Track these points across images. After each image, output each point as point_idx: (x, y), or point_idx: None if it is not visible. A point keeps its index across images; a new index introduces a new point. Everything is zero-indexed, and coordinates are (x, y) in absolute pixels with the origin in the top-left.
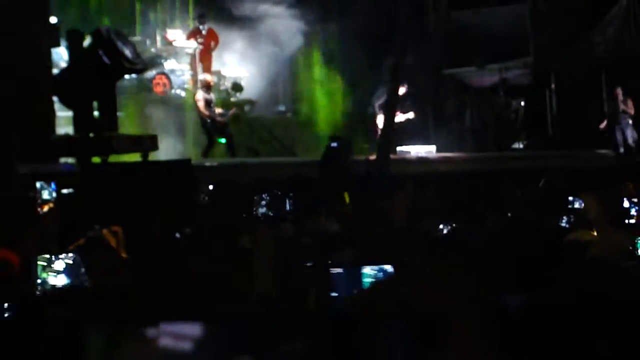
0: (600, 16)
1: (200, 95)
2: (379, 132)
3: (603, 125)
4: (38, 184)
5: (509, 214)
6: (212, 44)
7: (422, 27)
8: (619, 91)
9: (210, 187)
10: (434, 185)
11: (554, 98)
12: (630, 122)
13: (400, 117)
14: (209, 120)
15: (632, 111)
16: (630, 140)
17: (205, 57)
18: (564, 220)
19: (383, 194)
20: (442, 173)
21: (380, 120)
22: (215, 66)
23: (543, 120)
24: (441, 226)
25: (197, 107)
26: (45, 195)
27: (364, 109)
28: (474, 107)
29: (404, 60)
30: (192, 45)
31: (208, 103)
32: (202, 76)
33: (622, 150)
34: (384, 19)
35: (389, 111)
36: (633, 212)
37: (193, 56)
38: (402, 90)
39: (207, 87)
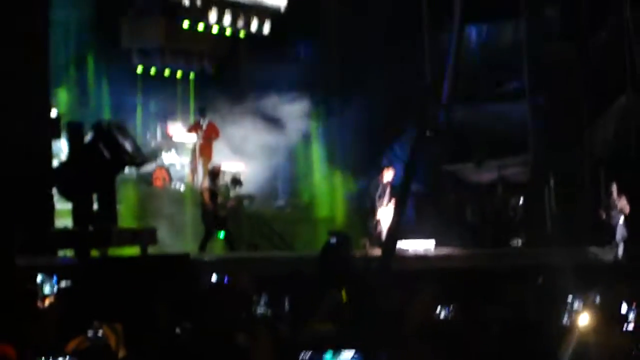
0: (600, 114)
1: (206, 185)
2: (379, 226)
3: (602, 215)
4: (39, 278)
5: (509, 312)
6: (213, 137)
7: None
8: (614, 188)
9: (214, 279)
10: (433, 281)
11: (552, 195)
12: (622, 219)
13: (391, 208)
14: (210, 212)
15: (626, 209)
16: (619, 238)
17: (205, 150)
18: (563, 320)
19: (387, 291)
20: (441, 269)
21: (380, 213)
22: (214, 160)
23: (542, 217)
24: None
25: (202, 197)
26: (47, 289)
27: (363, 203)
28: (472, 203)
29: (416, 158)
30: (193, 138)
31: (213, 194)
32: (211, 165)
33: (614, 248)
34: (384, 114)
35: (397, 208)
36: (631, 316)
37: (193, 150)
38: (390, 176)
39: (216, 175)
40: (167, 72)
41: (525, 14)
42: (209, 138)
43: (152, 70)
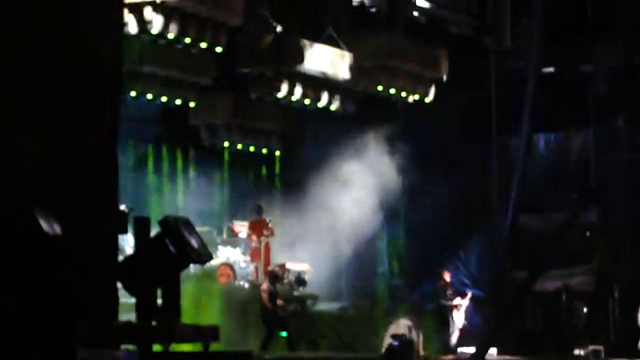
0: None
1: (265, 287)
2: (453, 332)
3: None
4: None
5: None
6: (269, 235)
7: (487, 229)
8: None
9: None
10: None
11: (616, 306)
12: None
13: (462, 302)
14: (269, 313)
15: None
16: None
17: (265, 249)
18: None
19: None
20: None
21: (457, 318)
22: (280, 259)
23: (606, 328)
24: None
25: (261, 298)
26: None
27: (427, 306)
28: (536, 311)
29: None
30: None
31: (272, 295)
32: (272, 267)
33: None
34: (450, 218)
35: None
36: None
37: (254, 248)
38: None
39: (275, 278)
40: (237, 147)
41: (594, 124)
42: (268, 237)
43: (219, 146)
